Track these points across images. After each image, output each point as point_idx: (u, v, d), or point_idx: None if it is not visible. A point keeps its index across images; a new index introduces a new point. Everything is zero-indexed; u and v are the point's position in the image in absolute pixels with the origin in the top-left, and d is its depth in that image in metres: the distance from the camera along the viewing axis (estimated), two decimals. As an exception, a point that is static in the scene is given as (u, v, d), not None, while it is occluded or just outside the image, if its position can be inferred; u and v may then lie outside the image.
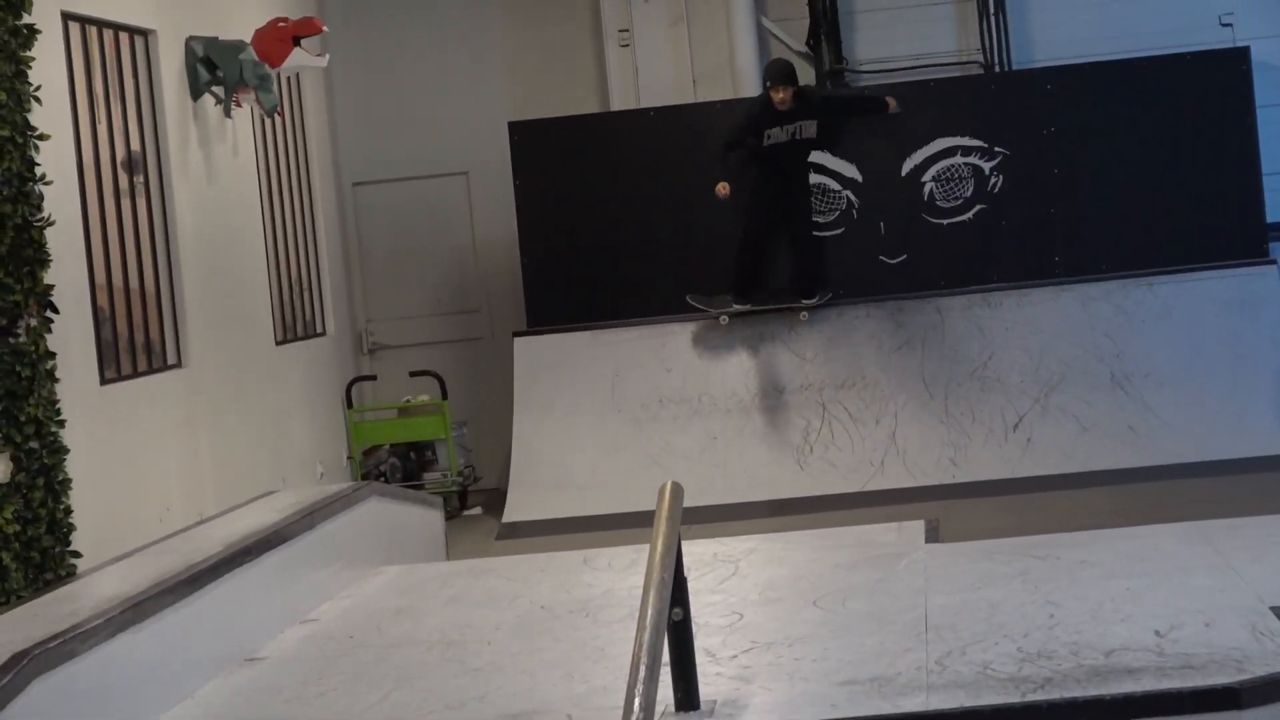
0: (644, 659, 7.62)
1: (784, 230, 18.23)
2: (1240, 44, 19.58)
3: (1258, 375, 18.40)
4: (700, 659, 8.87)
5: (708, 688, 8.72)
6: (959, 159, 19.63)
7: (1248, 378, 18.38)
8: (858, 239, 19.66)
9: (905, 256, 19.45)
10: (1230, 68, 19.40)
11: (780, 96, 17.55)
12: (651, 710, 7.43)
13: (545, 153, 19.89)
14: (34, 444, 12.95)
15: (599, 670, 9.35)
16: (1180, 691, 8.19)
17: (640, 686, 7.42)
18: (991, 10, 20.66)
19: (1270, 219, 19.23)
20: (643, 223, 19.56)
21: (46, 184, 13.34)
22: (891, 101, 17.69)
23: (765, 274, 17.98)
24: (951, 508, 16.15)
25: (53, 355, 13.19)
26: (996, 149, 19.51)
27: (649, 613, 7.96)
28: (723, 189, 17.13)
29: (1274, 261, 18.91)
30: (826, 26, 20.78)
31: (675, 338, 19.39)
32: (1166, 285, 18.66)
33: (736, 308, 17.19)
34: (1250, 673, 8.29)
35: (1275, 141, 19.50)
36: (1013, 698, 8.23)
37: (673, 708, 8.40)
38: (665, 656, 8.03)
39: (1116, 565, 10.86)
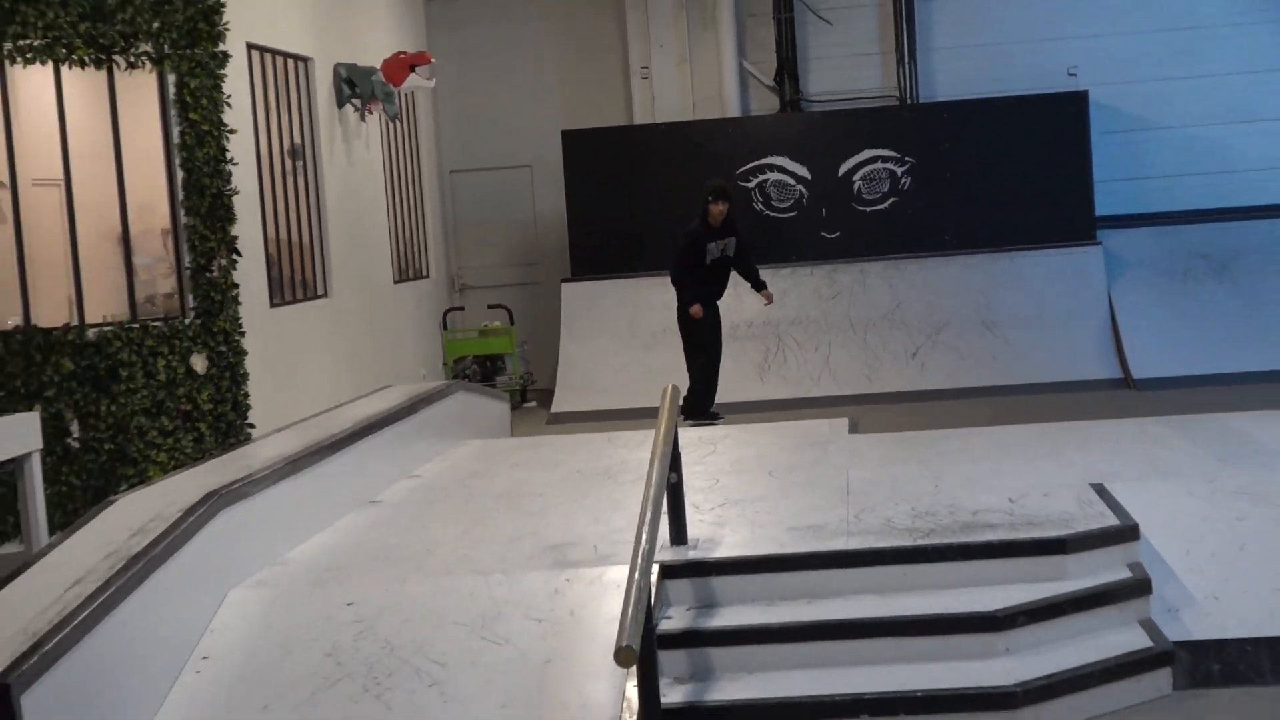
0: (649, 508, 7.68)
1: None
2: (1081, 89, 19.50)
3: (1087, 323, 18.38)
4: (689, 510, 8.92)
5: (694, 530, 8.78)
6: (879, 165, 19.57)
7: (1079, 324, 18.36)
8: (805, 220, 19.63)
9: (839, 233, 19.41)
10: (1074, 106, 19.32)
11: (719, 209, 16.25)
12: (654, 544, 7.52)
13: (588, 152, 19.81)
14: (223, 348, 12.98)
15: (617, 516, 9.40)
16: (1024, 540, 8.25)
17: (647, 528, 7.47)
18: (905, 59, 20.55)
19: (1099, 213, 19.19)
20: (656, 203, 19.48)
21: (234, 165, 13.37)
22: (769, 295, 16.76)
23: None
24: (867, 411, 16.15)
25: (236, 286, 13.19)
26: (906, 158, 19.45)
27: (653, 477, 8.01)
28: (696, 310, 16.18)
29: (1099, 243, 18.90)
30: (789, 68, 20.68)
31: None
32: (1023, 258, 18.66)
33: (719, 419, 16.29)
34: (1074, 529, 8.37)
35: (1101, 157, 19.45)
36: (907, 541, 8.31)
37: (669, 541, 8.45)
38: (664, 508, 8.09)
39: (983, 452, 10.91)
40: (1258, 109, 20.22)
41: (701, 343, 16.39)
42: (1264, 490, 9.11)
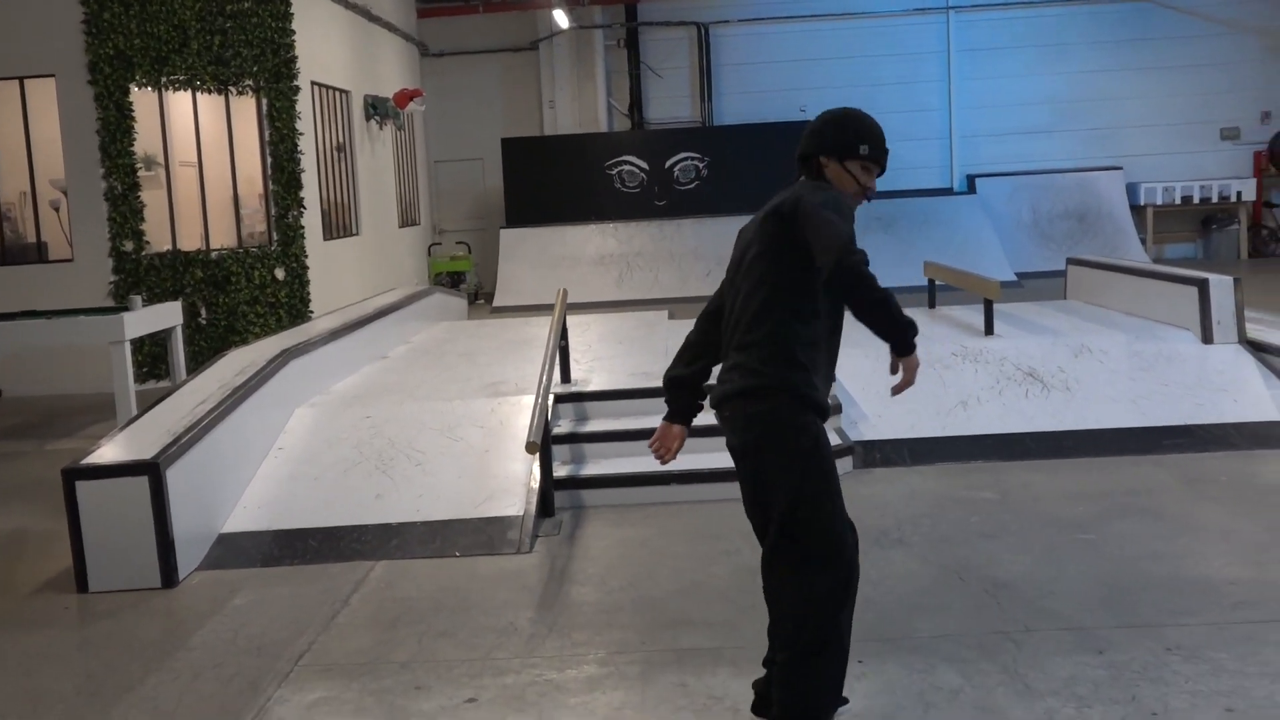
0: (548, 360, 7.60)
1: None
2: (807, 119, 19.45)
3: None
4: (573, 363, 8.86)
5: (575, 373, 8.73)
6: (689, 161, 19.44)
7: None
8: (645, 194, 19.53)
9: (665, 202, 19.33)
10: (802, 131, 19.29)
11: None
12: (551, 381, 7.43)
13: (518, 151, 19.56)
14: (295, 264, 12.84)
15: (531, 366, 9.29)
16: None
17: (546, 372, 7.40)
18: (706, 99, 20.45)
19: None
20: (557, 180, 19.39)
21: (302, 154, 13.17)
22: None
23: None
24: (680, 306, 16.09)
25: (303, 226, 13.06)
26: (705, 158, 19.37)
27: (551, 342, 7.93)
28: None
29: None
30: (637, 103, 20.50)
31: (568, 233, 19.23)
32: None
33: None
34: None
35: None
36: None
37: (559, 380, 8.39)
38: (557, 360, 8.02)
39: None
40: (911, 133, 20.31)
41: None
42: (908, 354, 9.17)
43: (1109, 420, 8.28)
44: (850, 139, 4.08)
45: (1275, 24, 20.22)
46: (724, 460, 7.42)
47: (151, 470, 6.15)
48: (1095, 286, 11.37)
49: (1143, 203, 19.85)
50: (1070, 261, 12.28)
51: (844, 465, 7.85)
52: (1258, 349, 8.88)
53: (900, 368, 3.90)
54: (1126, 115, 20.37)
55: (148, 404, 7.61)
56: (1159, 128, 20.39)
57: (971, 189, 20.11)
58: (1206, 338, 9.02)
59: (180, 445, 6.40)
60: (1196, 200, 19.89)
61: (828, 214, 3.78)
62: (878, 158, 4.13)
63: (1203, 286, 9.16)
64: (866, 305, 3.78)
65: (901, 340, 3.84)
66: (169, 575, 6.22)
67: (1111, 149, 20.39)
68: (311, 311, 13.09)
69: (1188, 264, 18.32)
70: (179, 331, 11.09)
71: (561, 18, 19.53)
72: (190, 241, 13.00)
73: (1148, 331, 9.35)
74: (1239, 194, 19.81)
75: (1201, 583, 5.54)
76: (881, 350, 9.10)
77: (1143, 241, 19.54)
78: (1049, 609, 5.29)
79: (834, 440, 7.97)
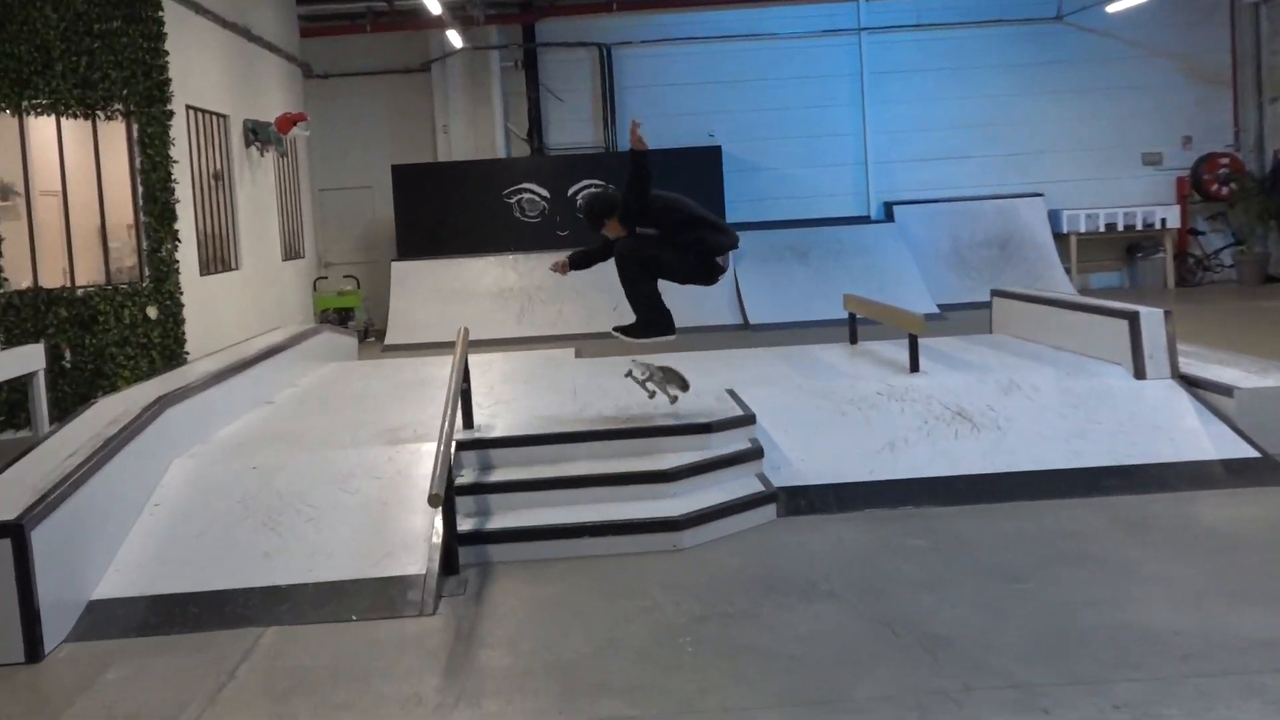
0: (450, 404, 7.52)
1: None
2: (716, 145, 19.70)
3: (721, 288, 18.53)
4: (475, 407, 8.77)
5: (478, 418, 8.64)
6: (593, 188, 19.53)
7: (716, 288, 18.50)
8: (547, 223, 19.55)
9: (568, 232, 19.32)
10: (713, 155, 19.51)
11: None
12: (453, 427, 7.35)
13: (409, 178, 19.51)
14: (168, 302, 12.68)
15: (431, 409, 9.16)
16: (685, 424, 8.24)
17: (448, 417, 7.32)
18: (608, 123, 20.54)
19: (729, 219, 19.30)
20: (453, 212, 19.33)
21: (176, 183, 13.01)
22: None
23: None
24: (586, 343, 16.03)
25: (177, 261, 12.89)
26: (610, 185, 19.43)
27: (452, 384, 7.85)
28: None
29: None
30: (536, 128, 20.55)
31: (465, 265, 19.16)
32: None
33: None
34: (715, 417, 8.36)
35: (730, 186, 19.70)
36: (612, 425, 8.23)
37: (461, 426, 8.30)
38: (459, 405, 7.94)
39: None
40: (824, 159, 20.66)
41: None
42: (829, 393, 9.23)
43: (1042, 461, 8.37)
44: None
45: (1192, 48, 20.89)
46: (639, 511, 7.44)
47: (15, 532, 5.94)
48: (1022, 319, 11.55)
49: (1065, 230, 20.30)
50: (995, 293, 12.47)
51: (767, 513, 7.85)
52: (1191, 384, 9.07)
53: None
54: (1046, 140, 20.86)
55: (8, 457, 7.39)
56: (1079, 153, 20.91)
57: (889, 217, 20.41)
58: (1139, 373, 9.20)
59: (47, 504, 6.19)
60: (1120, 228, 20.40)
61: None
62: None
63: (1133, 319, 9.35)
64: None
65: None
66: (34, 648, 5.99)
67: (1031, 175, 20.85)
68: (187, 353, 12.87)
69: (1114, 294, 18.76)
70: (41, 376, 10.86)
71: (455, 37, 19.51)
72: (53, 278, 12.71)
73: (1079, 367, 9.51)
74: (1163, 221, 20.36)
75: (1146, 633, 5.60)
76: (801, 387, 9.17)
77: (1067, 270, 19.96)
78: (989, 665, 5.30)
79: (756, 487, 7.98)
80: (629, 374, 8.55)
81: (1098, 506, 7.83)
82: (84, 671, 5.86)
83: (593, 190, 8.39)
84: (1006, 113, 20.80)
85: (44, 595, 6.05)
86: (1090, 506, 7.84)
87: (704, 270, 8.50)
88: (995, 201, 20.53)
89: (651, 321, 8.50)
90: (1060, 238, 20.33)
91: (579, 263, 9.03)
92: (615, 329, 8.67)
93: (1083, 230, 20.35)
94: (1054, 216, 20.45)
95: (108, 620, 6.43)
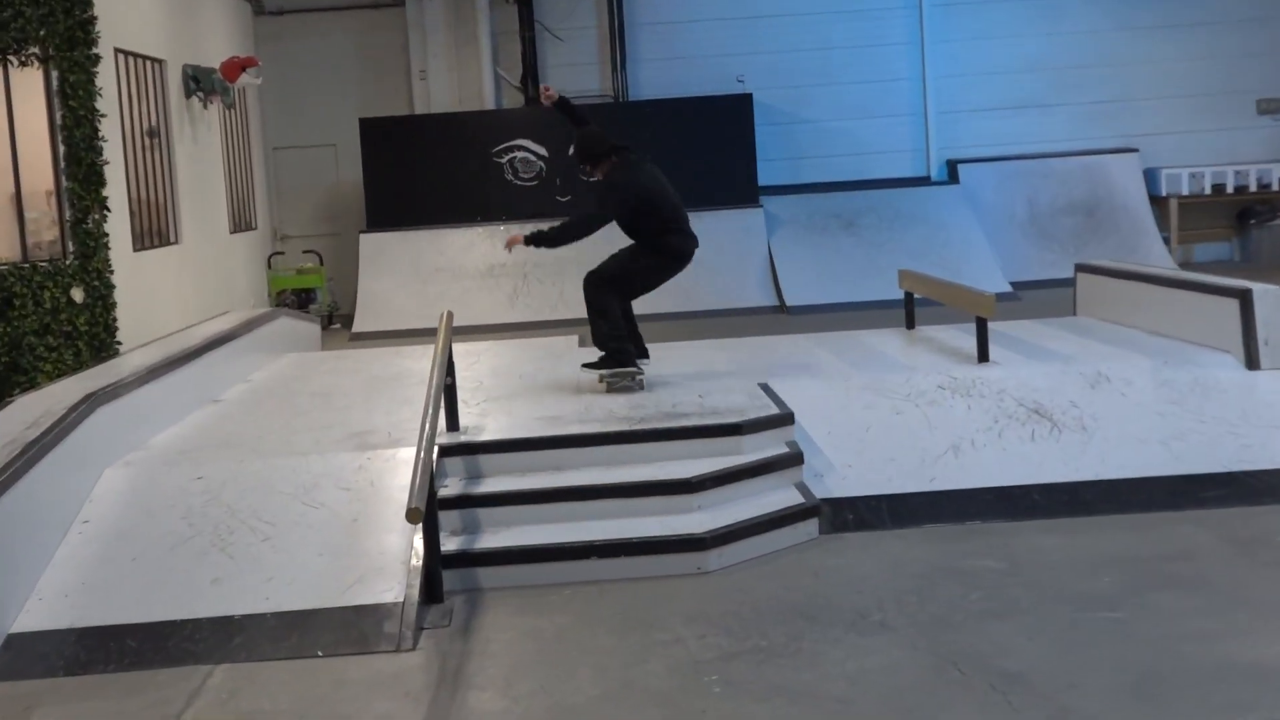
0: (431, 403, 7.59)
1: None
2: (747, 92, 19.67)
3: (753, 265, 18.59)
4: (461, 405, 8.84)
5: (464, 419, 8.71)
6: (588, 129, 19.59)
7: (747, 266, 18.55)
8: (545, 186, 19.57)
9: (570, 196, 19.33)
10: (742, 105, 19.48)
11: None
12: (435, 430, 7.43)
13: (379, 135, 19.52)
14: (96, 283, 12.71)
15: (408, 410, 9.25)
16: (711, 425, 8.30)
17: (429, 418, 7.39)
18: (618, 68, 20.55)
19: (760, 183, 19.46)
20: (432, 173, 19.38)
21: (104, 141, 13.01)
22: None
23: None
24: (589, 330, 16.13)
25: (107, 234, 12.91)
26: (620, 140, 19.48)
27: (434, 379, 7.93)
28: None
29: (761, 206, 19.12)
30: (531, 73, 20.53)
31: (447, 237, 19.21)
32: (705, 217, 18.38)
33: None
34: (746, 417, 8.43)
35: (762, 142, 19.69)
36: (625, 427, 8.30)
37: (445, 428, 8.36)
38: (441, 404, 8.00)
39: (679, 361, 10.88)
40: (875, 109, 20.63)
41: None
42: (882, 387, 9.26)
43: (1136, 468, 8.41)
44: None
45: (1319, -29, 20.81)
46: (656, 527, 7.51)
47: (-82, 554, 6.01)
48: (1112, 299, 11.57)
49: (1164, 193, 20.26)
50: (1080, 268, 12.49)
51: (809, 529, 7.91)
52: (1314, 375, 9.10)
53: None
54: (1141, 85, 20.77)
55: (-90, 467, 7.44)
56: (1181, 100, 20.82)
57: (953, 178, 20.40)
58: (1251, 362, 9.21)
59: (-44, 521, 6.27)
60: (1230, 189, 20.35)
61: None
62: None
63: (1245, 299, 9.36)
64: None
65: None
66: (-57, 691, 6.06)
67: (1124, 127, 20.80)
68: (119, 343, 12.91)
69: (1223, 269, 18.72)
70: (-54, 371, 10.90)
71: (435, -35, 19.57)
72: (-41, 254, 12.80)
73: (1179, 355, 9.53)
74: (1282, 180, 20.32)
75: (1257, 670, 5.63)
76: (848, 380, 9.21)
77: (1166, 241, 19.93)
78: (1072, 708, 5.34)
79: (795, 499, 8.04)
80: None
81: (1202, 521, 7.86)
82: (3, 717, 5.93)
83: (588, 129, 8.70)
84: (1094, 52, 20.74)
85: (-46, 628, 6.12)
86: (1193, 521, 7.87)
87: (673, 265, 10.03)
88: (1080, 159, 20.50)
89: (623, 352, 9.61)
90: (1158, 201, 20.30)
91: (543, 240, 10.06)
92: (585, 366, 9.86)
93: (1185, 193, 20.31)
94: (1150, 176, 20.42)
95: (30, 657, 6.50)
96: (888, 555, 7.56)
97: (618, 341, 9.66)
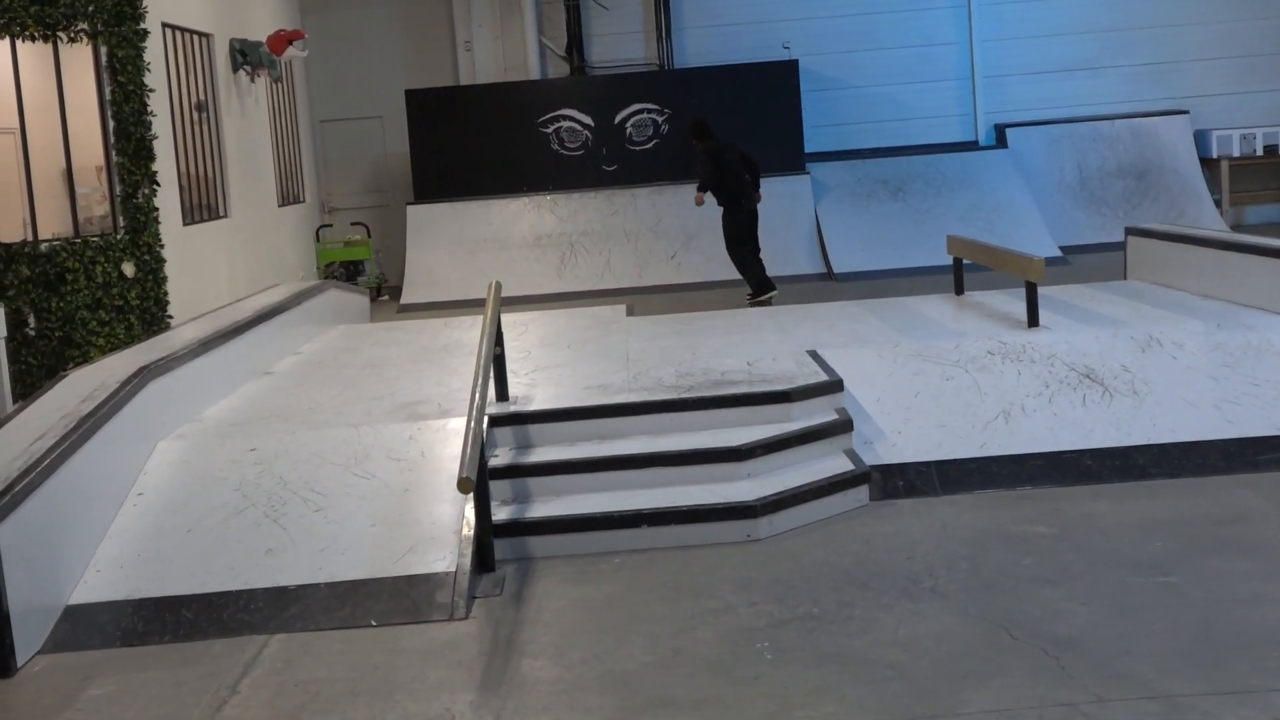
0: (480, 374, 7.61)
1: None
2: (793, 59, 19.58)
3: (799, 232, 18.52)
4: (510, 375, 8.87)
5: (513, 389, 8.75)
6: (646, 115, 19.48)
7: (793, 233, 18.47)
8: (590, 157, 19.53)
9: (616, 166, 19.32)
10: (788, 71, 19.39)
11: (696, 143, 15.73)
12: (485, 400, 7.45)
13: (425, 106, 19.53)
14: (147, 257, 12.75)
15: (455, 380, 9.32)
16: (759, 393, 8.30)
17: (479, 388, 7.41)
18: (663, 36, 20.49)
19: (807, 150, 19.38)
20: (479, 144, 19.39)
21: (153, 116, 13.06)
22: (700, 197, 15.39)
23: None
24: (639, 299, 16.12)
25: (156, 209, 12.92)
26: (665, 110, 19.38)
27: (483, 349, 7.95)
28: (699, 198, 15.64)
29: (808, 173, 19.04)
30: (576, 42, 20.52)
31: (494, 208, 19.22)
32: (753, 184, 18.75)
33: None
34: (795, 384, 8.42)
35: (809, 109, 19.60)
36: (673, 395, 8.31)
37: (495, 399, 8.39)
38: (491, 373, 8.03)
39: (727, 329, 10.92)
40: (921, 73, 20.51)
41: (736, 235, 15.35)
42: (931, 353, 9.24)
43: (1189, 431, 8.36)
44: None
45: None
46: (706, 495, 7.52)
47: (-23, 528, 6.08)
48: (1163, 262, 11.49)
49: (1215, 155, 20.07)
50: (1130, 232, 12.40)
51: (859, 496, 7.91)
52: (1368, 337, 9.02)
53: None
54: (1190, 46, 20.58)
55: (-33, 442, 7.53)
56: (1231, 60, 20.62)
57: (1001, 142, 20.28)
58: (1305, 324, 9.14)
59: (13, 495, 6.32)
60: (1282, 150, 20.16)
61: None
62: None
63: (1298, 260, 9.29)
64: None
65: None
66: (4, 661, 6.14)
67: (1173, 89, 20.60)
68: (170, 317, 12.98)
69: (1275, 231, 18.53)
70: (1, 346, 10.99)
71: (479, -65, 19.56)
72: (11, 230, 12.87)
73: (1232, 318, 9.46)
74: (1334, 141, 20.09)
75: (1313, 634, 5.60)
76: (897, 346, 9.18)
77: (1217, 203, 19.76)
78: (1125, 673, 5.33)
79: (845, 466, 8.03)
80: None
81: (1256, 485, 7.81)
82: (62, 687, 6.00)
83: (702, 118, 15.18)
84: (1143, 13, 20.54)
85: (14, 601, 6.19)
86: (1247, 485, 7.82)
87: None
88: (1130, 121, 20.33)
89: (763, 285, 14.91)
90: (1209, 163, 20.11)
91: (701, 189, 15.47)
92: (750, 303, 14.28)
93: (1237, 154, 20.12)
94: (1201, 139, 20.24)
95: (88, 628, 6.57)
96: (938, 521, 7.55)
97: (757, 280, 15.00)
